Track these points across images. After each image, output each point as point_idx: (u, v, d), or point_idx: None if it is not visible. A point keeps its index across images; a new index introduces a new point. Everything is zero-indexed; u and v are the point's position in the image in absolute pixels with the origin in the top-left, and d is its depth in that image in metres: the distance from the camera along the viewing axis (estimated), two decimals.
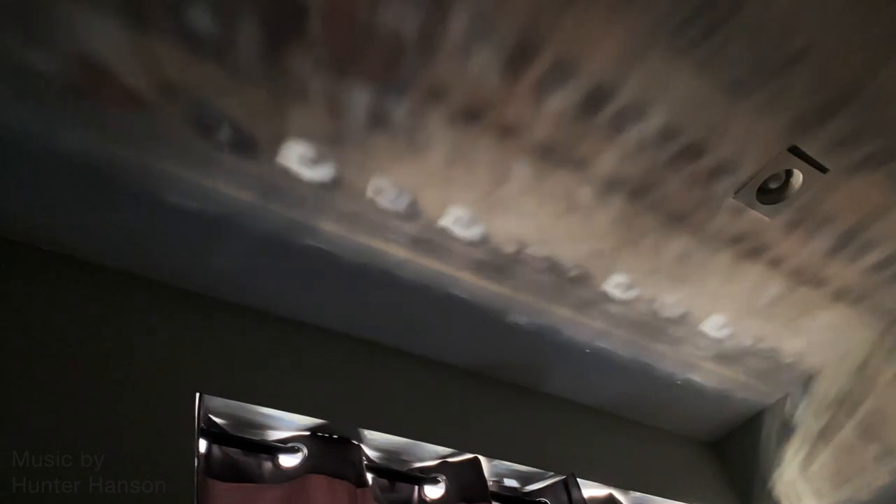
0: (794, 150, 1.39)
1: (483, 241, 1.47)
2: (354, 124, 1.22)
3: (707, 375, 1.97)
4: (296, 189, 1.30)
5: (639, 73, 1.21)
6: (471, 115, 1.24)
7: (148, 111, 1.14)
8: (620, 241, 1.52)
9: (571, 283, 1.60)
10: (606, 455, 1.89)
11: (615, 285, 1.63)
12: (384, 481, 1.46)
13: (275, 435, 1.38)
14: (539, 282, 1.58)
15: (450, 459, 1.53)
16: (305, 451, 1.34)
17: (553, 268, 1.56)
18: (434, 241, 1.45)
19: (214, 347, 1.36)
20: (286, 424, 1.37)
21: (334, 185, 1.31)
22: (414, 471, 1.53)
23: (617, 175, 1.38)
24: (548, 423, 1.83)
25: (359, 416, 1.44)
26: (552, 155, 1.32)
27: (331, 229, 1.38)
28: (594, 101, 1.24)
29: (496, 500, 1.57)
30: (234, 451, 1.30)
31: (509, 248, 1.49)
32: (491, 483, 1.60)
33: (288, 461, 1.32)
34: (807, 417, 2.02)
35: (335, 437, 1.41)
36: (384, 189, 1.34)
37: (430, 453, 1.54)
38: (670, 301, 1.70)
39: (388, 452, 1.51)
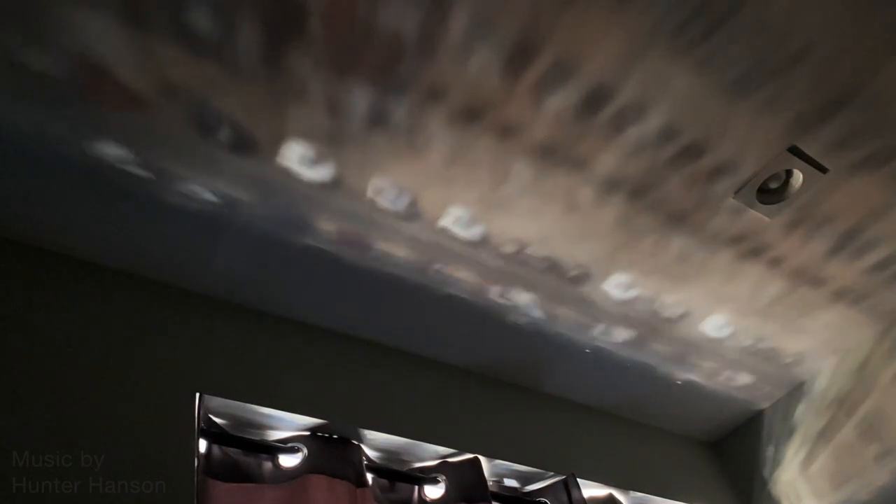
0: (794, 150, 1.39)
1: (483, 241, 1.47)
2: (354, 124, 1.22)
3: (707, 375, 1.97)
4: (296, 189, 1.30)
5: (639, 73, 1.21)
6: (471, 115, 1.24)
7: (148, 111, 1.14)
8: (620, 241, 1.52)
9: (571, 283, 1.60)
10: (606, 455, 1.88)
11: (615, 285, 1.63)
12: (384, 481, 1.46)
13: (275, 435, 1.38)
14: (539, 282, 1.58)
15: (450, 459, 1.53)
16: (305, 451, 1.34)
17: (553, 268, 1.56)
18: (434, 241, 1.45)
19: (214, 347, 1.36)
20: (286, 424, 1.37)
21: (334, 184, 1.31)
22: (414, 471, 1.53)
23: (617, 175, 1.38)
24: (548, 423, 1.83)
25: (359, 416, 1.44)
26: (552, 155, 1.32)
27: (331, 229, 1.38)
28: (594, 101, 1.24)
29: (496, 500, 1.57)
30: (234, 451, 1.30)
31: (509, 248, 1.49)
32: (491, 483, 1.60)
33: (288, 461, 1.32)
34: (807, 417, 2.02)
35: (335, 437, 1.41)
36: (384, 189, 1.34)
37: (430, 453, 1.54)
38: (670, 301, 1.70)
39: (388, 452, 1.51)
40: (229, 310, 1.45)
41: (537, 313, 1.66)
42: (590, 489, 1.74)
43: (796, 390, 2.07)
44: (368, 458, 1.45)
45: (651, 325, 1.76)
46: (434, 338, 1.67)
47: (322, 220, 1.36)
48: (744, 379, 2.01)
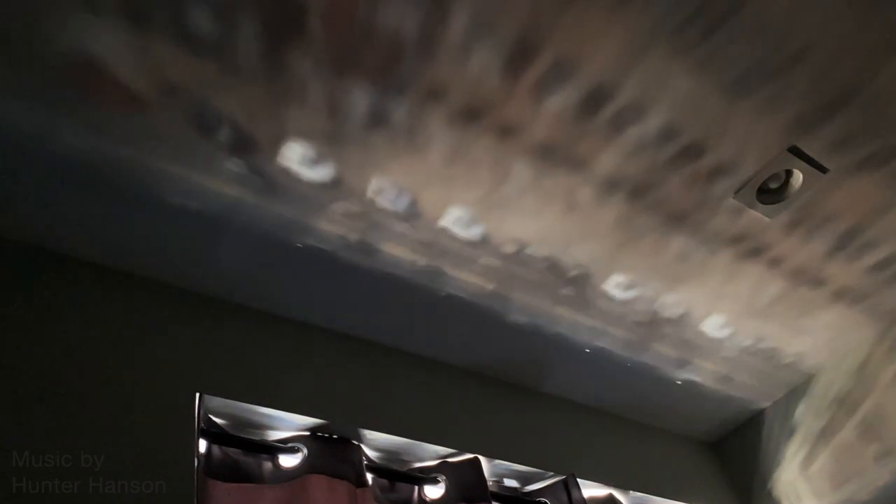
0: (794, 150, 1.39)
1: (483, 241, 1.47)
2: (354, 124, 1.22)
3: (707, 375, 1.97)
4: (296, 189, 1.30)
5: (639, 73, 1.21)
6: (471, 115, 1.24)
7: (148, 111, 1.14)
8: (620, 241, 1.52)
9: (571, 283, 1.60)
10: (606, 455, 1.88)
11: (615, 285, 1.63)
12: (384, 481, 1.46)
13: (275, 435, 1.38)
14: (539, 282, 1.58)
15: (450, 459, 1.53)
16: (305, 451, 1.34)
17: (553, 268, 1.56)
18: (434, 241, 1.45)
19: (214, 347, 1.36)
20: (286, 424, 1.37)
21: (334, 184, 1.31)
22: (414, 471, 1.53)
23: (617, 175, 1.38)
24: (548, 423, 1.83)
25: (359, 416, 1.44)
26: (552, 155, 1.33)
27: (331, 229, 1.38)
28: (594, 101, 1.24)
29: (496, 500, 1.57)
30: (234, 451, 1.30)
31: (509, 248, 1.49)
32: (491, 483, 1.60)
33: (288, 461, 1.32)
34: (807, 417, 2.02)
35: (335, 437, 1.41)
36: (384, 189, 1.34)
37: (430, 453, 1.54)
38: (670, 301, 1.70)
39: (388, 452, 1.51)
40: (229, 310, 1.45)
41: (537, 313, 1.66)
42: (590, 489, 1.74)
43: (796, 390, 2.07)
44: (368, 458, 1.45)
45: (651, 325, 1.76)
46: (434, 338, 1.67)
47: (322, 220, 1.36)
48: (744, 379, 2.01)
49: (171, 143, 1.19)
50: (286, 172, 1.27)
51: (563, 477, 1.67)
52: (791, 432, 2.05)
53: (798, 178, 1.45)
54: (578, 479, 1.67)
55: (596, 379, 1.90)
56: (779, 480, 2.04)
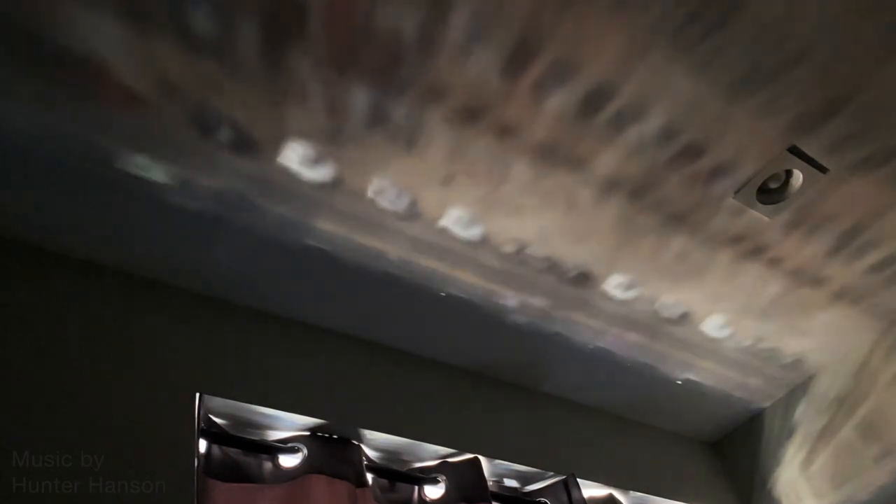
0: (794, 150, 1.39)
1: (483, 241, 1.47)
2: (354, 124, 1.22)
3: (707, 375, 1.97)
4: (296, 189, 1.30)
5: (639, 73, 1.21)
6: (470, 115, 1.24)
7: (148, 111, 1.14)
8: (620, 241, 1.52)
9: (571, 283, 1.60)
10: (606, 455, 1.89)
11: (615, 285, 1.63)
12: (384, 481, 1.46)
13: (275, 435, 1.38)
14: (539, 282, 1.58)
15: (450, 459, 1.53)
16: (305, 451, 1.34)
17: (553, 268, 1.56)
18: (434, 241, 1.45)
19: (214, 347, 1.36)
20: (286, 424, 1.37)
21: (334, 184, 1.31)
22: (414, 471, 1.53)
23: (617, 175, 1.38)
24: (548, 423, 1.83)
25: (359, 416, 1.44)
26: (552, 155, 1.33)
27: (331, 229, 1.38)
28: (594, 101, 1.24)
29: (496, 500, 1.57)
30: (234, 451, 1.30)
31: (509, 248, 1.49)
32: (491, 483, 1.60)
33: (288, 461, 1.32)
34: (807, 417, 2.02)
35: (335, 437, 1.41)
36: (384, 189, 1.34)
37: (430, 453, 1.54)
38: (670, 301, 1.70)
39: (388, 452, 1.51)
40: (229, 310, 1.45)
41: (537, 313, 1.66)
42: (590, 489, 1.74)
43: (796, 390, 2.07)
44: (368, 458, 1.45)
45: (651, 325, 1.76)
46: (434, 338, 1.67)
47: (322, 220, 1.36)
48: (744, 379, 2.01)
49: (171, 143, 1.19)
50: (286, 172, 1.27)
51: (563, 477, 1.67)
52: (791, 432, 2.05)
53: (798, 178, 1.45)
54: (578, 479, 1.67)
55: (596, 379, 1.90)
56: (779, 480, 2.04)
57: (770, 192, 1.48)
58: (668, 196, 1.44)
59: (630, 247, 1.54)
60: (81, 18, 1.01)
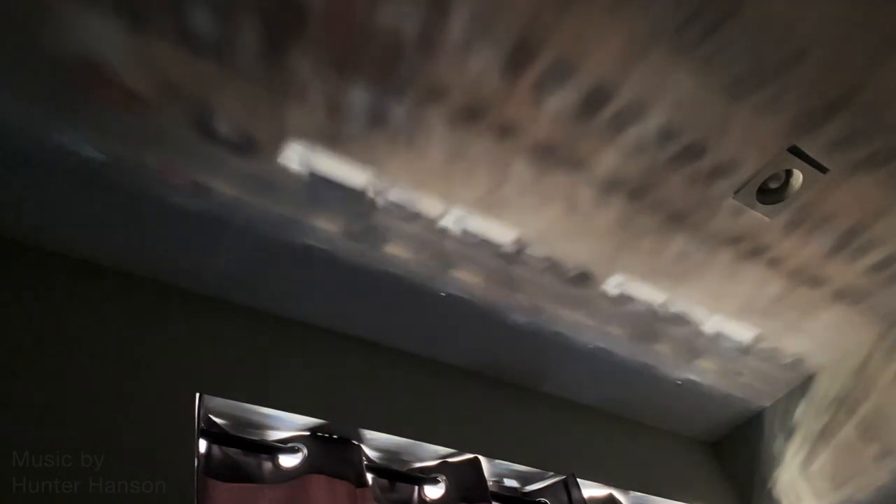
0: (794, 150, 1.39)
1: (483, 242, 1.47)
2: (354, 124, 1.22)
3: (707, 375, 1.97)
4: (296, 188, 1.29)
5: (639, 73, 1.21)
6: (470, 115, 1.24)
7: (148, 111, 1.14)
8: (620, 241, 1.52)
9: (571, 283, 1.60)
10: (606, 455, 1.89)
11: (615, 285, 1.63)
12: (384, 481, 1.46)
13: (275, 435, 1.38)
14: (539, 282, 1.58)
15: (450, 459, 1.53)
16: (305, 451, 1.34)
17: (553, 268, 1.56)
18: (434, 241, 1.44)
19: (214, 347, 1.36)
20: (286, 424, 1.37)
21: (334, 184, 1.30)
22: (414, 471, 1.53)
23: (617, 175, 1.38)
24: (548, 423, 1.83)
25: (359, 416, 1.44)
26: (552, 155, 1.32)
27: (331, 229, 1.38)
28: (594, 101, 1.24)
29: (496, 500, 1.57)
30: (234, 451, 1.30)
31: (509, 248, 1.49)
32: (491, 483, 1.60)
33: (288, 461, 1.32)
34: (807, 417, 2.02)
35: (335, 437, 1.41)
36: (384, 189, 1.33)
37: (430, 453, 1.54)
38: (670, 301, 1.70)
39: (388, 452, 1.51)
40: (229, 310, 1.45)
41: (537, 313, 1.66)
42: (590, 489, 1.74)
43: (796, 390, 2.07)
44: (368, 458, 1.45)
45: (651, 324, 1.76)
46: (434, 338, 1.67)
47: (322, 220, 1.36)
48: (744, 379, 2.01)
49: (171, 143, 1.19)
50: (286, 172, 1.27)
51: (563, 477, 1.67)
52: (791, 432, 2.05)
53: (798, 178, 1.45)
54: (578, 479, 1.67)
55: (596, 379, 1.90)
56: (779, 480, 2.04)
57: (770, 192, 1.48)
58: (668, 196, 1.44)
59: (630, 247, 1.54)
60: (81, 18, 1.01)
